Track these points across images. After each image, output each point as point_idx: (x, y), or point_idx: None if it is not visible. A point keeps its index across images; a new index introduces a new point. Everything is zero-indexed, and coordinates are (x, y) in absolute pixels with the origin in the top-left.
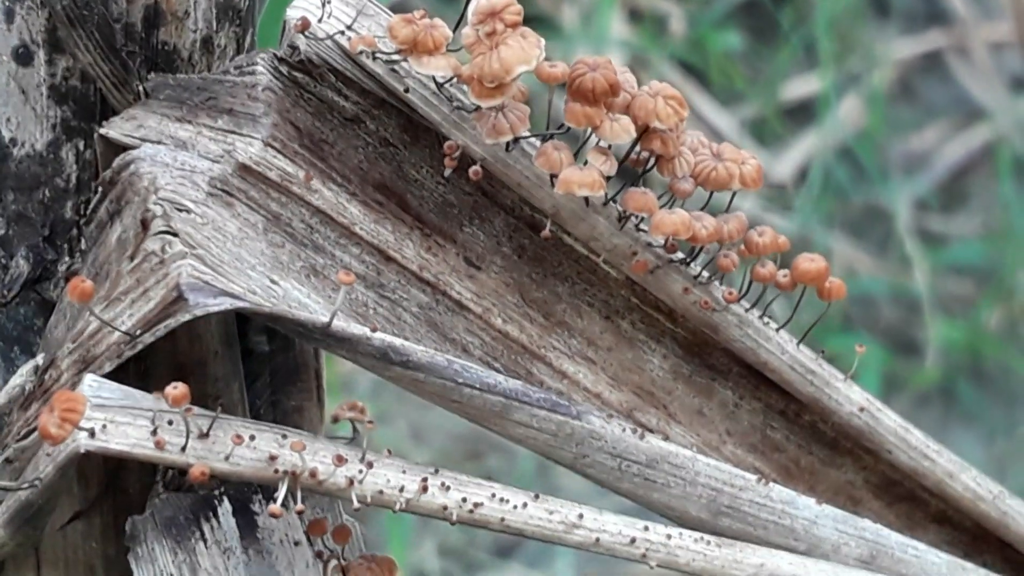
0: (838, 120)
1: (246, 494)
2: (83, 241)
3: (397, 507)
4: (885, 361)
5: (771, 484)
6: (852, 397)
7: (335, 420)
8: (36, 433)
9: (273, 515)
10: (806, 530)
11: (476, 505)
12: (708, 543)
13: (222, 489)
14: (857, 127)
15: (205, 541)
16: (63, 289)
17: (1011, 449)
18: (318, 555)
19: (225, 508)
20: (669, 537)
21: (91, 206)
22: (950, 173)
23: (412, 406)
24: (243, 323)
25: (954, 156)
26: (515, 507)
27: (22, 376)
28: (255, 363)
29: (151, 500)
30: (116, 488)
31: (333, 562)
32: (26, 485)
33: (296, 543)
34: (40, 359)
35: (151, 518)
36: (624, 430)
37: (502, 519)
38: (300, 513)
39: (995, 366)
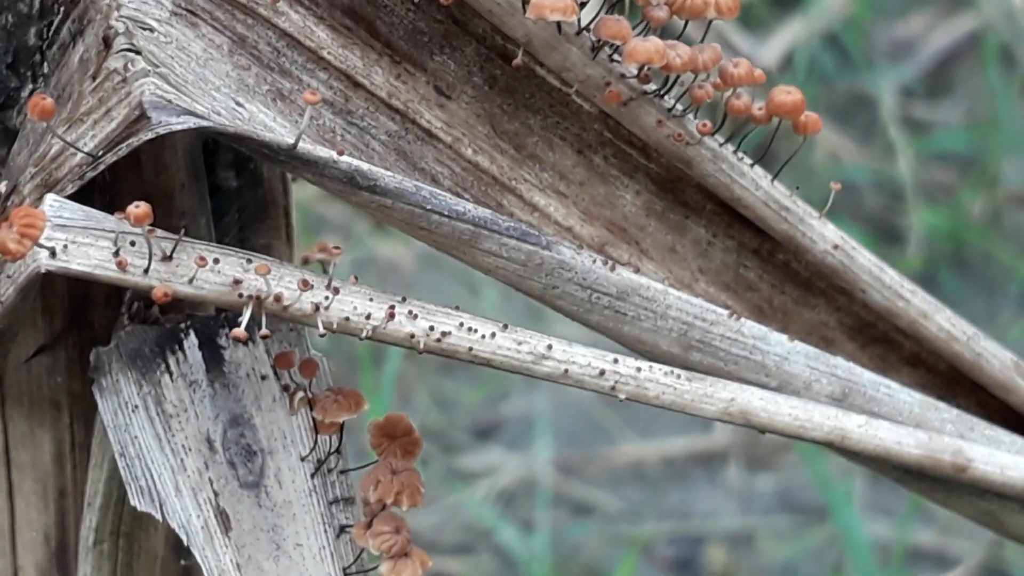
0: (824, 6)
1: (212, 328)
2: (46, 65)
3: (363, 335)
4: (868, 248)
5: (743, 319)
6: (826, 235)
7: (305, 262)
8: None
9: (237, 339)
10: (777, 366)
11: (444, 334)
12: (678, 377)
13: (188, 323)
14: (843, 13)
15: (171, 374)
16: (26, 117)
17: (991, 336)
18: (285, 388)
19: (191, 341)
20: (639, 370)
21: (53, 27)
22: (935, 60)
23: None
24: (210, 158)
25: (940, 43)
26: (483, 337)
27: None
28: (223, 199)
29: (116, 332)
30: (81, 322)
31: (300, 394)
32: None
33: (263, 377)
34: (2, 187)
35: (116, 350)
36: (595, 261)
37: (470, 348)
38: (265, 338)
39: (977, 254)
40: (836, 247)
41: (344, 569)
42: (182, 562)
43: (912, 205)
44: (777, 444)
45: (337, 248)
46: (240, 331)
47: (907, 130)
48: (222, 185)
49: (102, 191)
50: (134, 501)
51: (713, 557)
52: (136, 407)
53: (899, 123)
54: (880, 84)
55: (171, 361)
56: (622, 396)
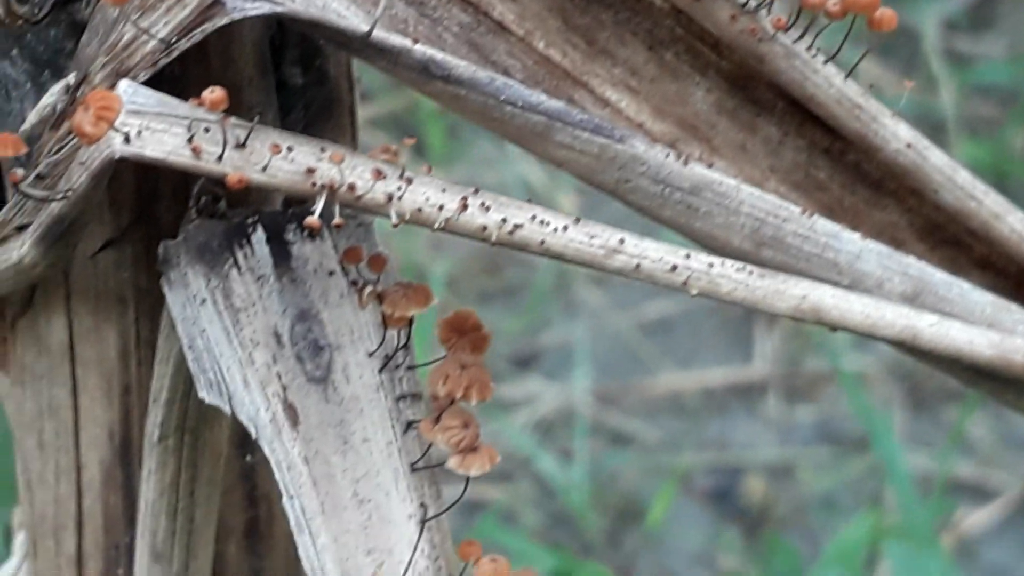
0: None
1: (279, 223)
2: None
3: (436, 225)
4: None
5: (815, 217)
6: (899, 133)
7: None
8: (68, 147)
9: (311, 227)
10: (849, 264)
11: (516, 227)
12: (750, 273)
13: (255, 218)
14: None
15: (239, 268)
16: (95, 8)
17: None
18: (353, 283)
19: (259, 236)
20: (711, 266)
21: None
22: None
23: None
24: (277, 54)
25: None
26: (555, 230)
27: (53, 96)
28: (289, 96)
29: (184, 226)
30: (148, 217)
31: (369, 288)
32: (59, 196)
33: (330, 273)
34: (71, 78)
35: (184, 243)
36: (668, 156)
37: (542, 241)
38: (338, 227)
39: (1019, 187)
40: (909, 146)
41: (411, 464)
42: (247, 458)
43: (954, 138)
44: (816, 375)
45: (399, 148)
46: (314, 219)
47: (950, 63)
48: (288, 82)
49: (171, 83)
50: (202, 394)
51: (752, 488)
52: (204, 300)
53: (942, 56)
54: (923, 16)
55: (239, 255)
56: (694, 291)
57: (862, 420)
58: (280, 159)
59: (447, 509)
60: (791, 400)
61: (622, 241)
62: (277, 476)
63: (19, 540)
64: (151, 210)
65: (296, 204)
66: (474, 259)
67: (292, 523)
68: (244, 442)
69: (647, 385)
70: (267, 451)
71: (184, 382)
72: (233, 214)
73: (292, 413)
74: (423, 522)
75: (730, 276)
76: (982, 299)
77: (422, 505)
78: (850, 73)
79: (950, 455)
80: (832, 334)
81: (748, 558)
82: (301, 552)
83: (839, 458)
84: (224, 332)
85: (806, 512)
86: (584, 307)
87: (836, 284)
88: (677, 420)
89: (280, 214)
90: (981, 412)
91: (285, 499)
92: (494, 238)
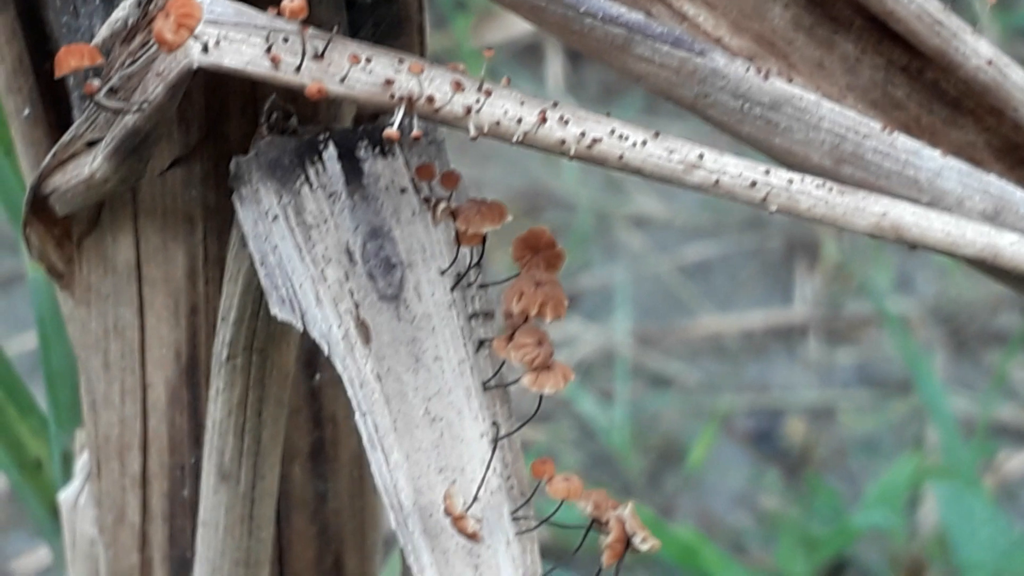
0: None
1: (351, 140)
2: None
3: (514, 139)
4: None
5: (895, 133)
6: (980, 50)
7: None
8: (142, 60)
9: (390, 139)
10: (929, 182)
11: (594, 140)
12: (830, 189)
13: (327, 134)
14: None
15: (310, 184)
16: None
17: None
18: (426, 200)
19: (330, 153)
20: (791, 182)
21: None
22: None
23: (473, 159)
24: None
25: None
26: (634, 144)
27: (124, 9)
28: (358, 13)
29: (255, 142)
30: (217, 134)
31: (443, 204)
32: (134, 108)
33: (402, 190)
34: None
35: (255, 159)
36: (748, 70)
37: (620, 156)
38: (416, 140)
39: None
40: (990, 63)
41: (483, 382)
42: (314, 379)
43: None
44: (857, 318)
45: (491, 49)
46: (393, 131)
47: (994, 6)
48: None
49: None
50: (274, 311)
51: (792, 430)
52: (276, 217)
53: None
54: None
55: (310, 172)
56: (773, 207)
57: (905, 362)
58: (359, 70)
59: (520, 427)
60: (831, 343)
61: (701, 156)
62: (349, 393)
63: (81, 462)
64: (220, 128)
65: (367, 122)
66: (514, 201)
67: (364, 439)
68: (311, 363)
69: (687, 327)
70: (339, 368)
71: (253, 301)
72: (304, 131)
73: (364, 330)
74: (495, 440)
75: (810, 192)
76: None
77: (494, 424)
78: None
79: (992, 398)
80: (874, 276)
81: (789, 499)
82: (374, 469)
83: (880, 401)
84: (296, 249)
85: (847, 455)
86: (624, 249)
87: (916, 202)
88: (717, 362)
89: (351, 131)
90: (1023, 355)
91: (357, 416)
92: (572, 152)
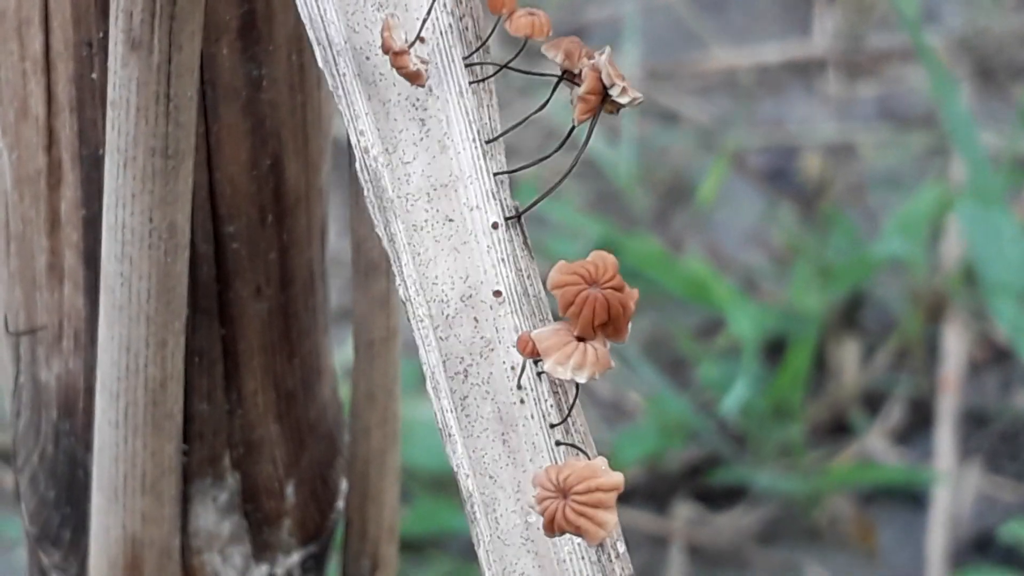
0: None
1: None
2: None
3: None
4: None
5: None
6: None
7: None
8: None
9: None
10: None
11: None
12: None
13: None
14: None
15: None
16: None
17: None
18: None
19: None
20: None
21: None
22: None
23: None
24: None
25: None
26: None
27: None
28: None
29: None
30: None
31: None
32: None
33: None
34: None
35: None
36: None
37: None
38: None
39: None
40: None
41: None
42: None
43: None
44: (879, 51)
45: None
46: None
47: None
48: None
49: None
50: None
51: (808, 166)
52: None
53: None
54: None
55: None
56: None
57: (933, 92)
58: None
59: None
60: (851, 77)
61: None
62: None
63: None
64: None
65: None
66: None
67: None
68: None
69: (699, 62)
70: None
71: None
72: None
73: None
74: None
75: None
76: None
77: None
78: None
79: (1020, 132)
80: (898, 6)
81: (803, 234)
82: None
83: (902, 135)
84: None
85: (866, 190)
86: None
87: None
88: (730, 98)
89: None
90: None
91: None
92: None
